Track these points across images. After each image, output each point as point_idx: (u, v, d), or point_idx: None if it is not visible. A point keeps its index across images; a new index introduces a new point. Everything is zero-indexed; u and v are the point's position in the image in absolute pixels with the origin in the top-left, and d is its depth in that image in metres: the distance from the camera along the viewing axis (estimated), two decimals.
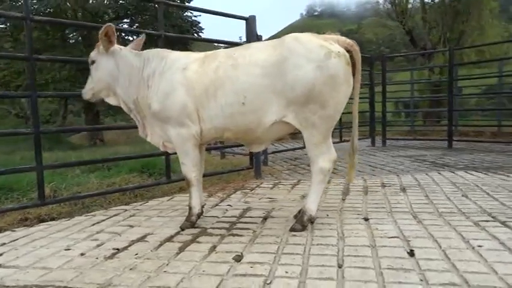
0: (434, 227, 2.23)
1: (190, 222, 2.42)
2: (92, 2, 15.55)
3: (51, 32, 14.69)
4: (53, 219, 2.81)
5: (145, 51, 2.56)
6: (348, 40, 2.27)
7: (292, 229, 2.24)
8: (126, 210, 2.97)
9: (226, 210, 2.83)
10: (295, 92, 2.15)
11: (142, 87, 2.42)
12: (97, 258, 1.95)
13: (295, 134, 8.13)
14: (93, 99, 2.66)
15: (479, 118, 11.03)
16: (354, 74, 2.25)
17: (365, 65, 7.89)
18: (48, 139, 10.20)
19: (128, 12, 15.68)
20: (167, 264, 1.82)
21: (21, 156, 6.32)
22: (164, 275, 1.71)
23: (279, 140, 7.67)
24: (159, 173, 4.18)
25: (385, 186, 3.49)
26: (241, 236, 2.20)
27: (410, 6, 14.28)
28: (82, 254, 2.01)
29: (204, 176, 4.02)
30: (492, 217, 2.40)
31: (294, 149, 6.21)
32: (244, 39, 4.43)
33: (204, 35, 17.17)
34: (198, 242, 2.12)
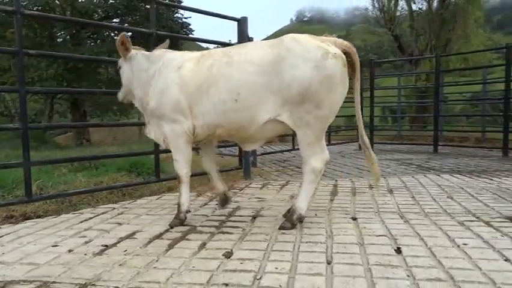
0: (420, 226, 2.27)
1: (179, 220, 2.42)
2: (81, 0, 15.41)
3: (39, 30, 14.51)
4: (39, 216, 2.77)
5: (152, 52, 2.65)
6: (346, 42, 2.30)
7: (281, 227, 2.25)
8: (114, 208, 2.95)
9: (216, 209, 2.84)
10: (292, 91, 2.16)
11: (147, 87, 2.51)
12: (85, 254, 1.93)
13: (284, 137, 8.18)
14: (125, 101, 2.82)
15: (464, 124, 11.25)
16: (354, 75, 2.31)
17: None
18: (34, 138, 10.03)
19: (118, 11, 15.57)
20: (156, 260, 1.82)
21: (5, 154, 6.22)
22: (154, 270, 1.70)
23: (268, 143, 7.69)
24: (147, 172, 4.15)
25: (373, 187, 3.53)
26: (230, 233, 2.21)
27: (398, 13, 14.53)
28: (70, 251, 1.99)
29: (193, 175, 4.02)
30: (476, 217, 2.45)
31: (282, 151, 6.25)
32: (234, 41, 4.45)
33: (195, 36, 17.13)
34: (188, 239, 2.12)
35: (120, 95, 2.78)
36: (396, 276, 1.57)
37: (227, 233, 2.22)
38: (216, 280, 1.57)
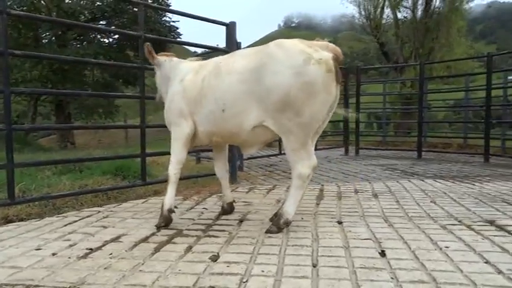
0: (404, 229, 2.31)
1: (162, 219, 2.43)
2: (68, 1, 15.24)
3: (23, 30, 14.29)
4: (22, 220, 2.72)
5: (174, 60, 2.81)
6: (337, 48, 2.23)
7: (268, 231, 2.26)
8: (99, 211, 2.92)
9: (202, 212, 2.84)
10: (272, 98, 2.15)
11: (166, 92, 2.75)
12: (69, 258, 1.91)
13: (271, 142, 8.19)
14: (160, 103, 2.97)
15: (447, 131, 11.48)
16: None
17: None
18: (16, 140, 9.85)
19: (105, 14, 15.45)
20: (142, 264, 1.81)
21: None
22: (140, 274, 1.69)
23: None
24: (133, 175, 4.12)
25: (358, 192, 3.58)
26: (217, 237, 2.21)
27: (383, 21, 14.80)
28: (54, 254, 1.96)
29: (180, 179, 4.02)
30: (458, 221, 2.51)
31: (269, 156, 6.27)
32: (222, 45, 4.46)
33: (183, 40, 17.09)
34: (174, 243, 2.12)
35: (157, 97, 2.99)
36: (380, 278, 1.59)
37: (213, 236, 2.22)
38: (202, 283, 1.57)
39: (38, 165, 3.91)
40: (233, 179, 4.22)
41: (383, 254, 1.89)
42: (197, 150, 5.50)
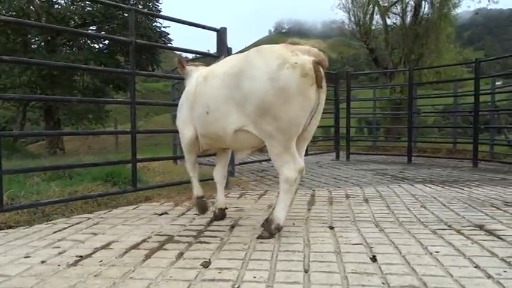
0: (394, 234, 2.33)
1: (197, 205, 2.82)
2: (57, 7, 15.14)
3: (12, 36, 14.15)
4: (10, 227, 2.68)
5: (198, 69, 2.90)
6: (321, 53, 2.21)
7: (259, 237, 2.26)
8: (89, 218, 2.89)
9: (194, 218, 2.82)
10: (250, 104, 2.17)
11: None
12: (58, 265, 1.88)
13: (262, 147, 8.20)
14: None
15: (436, 136, 11.60)
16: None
17: (330, 82, 8.14)
18: (5, 147, 9.72)
19: (96, 19, 15.38)
20: (133, 271, 1.79)
21: None
22: (131, 281, 1.68)
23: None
24: (124, 182, 4.09)
25: (349, 197, 3.60)
26: (208, 243, 2.20)
27: (373, 27, 14.93)
28: (43, 262, 1.94)
29: (171, 185, 4.01)
30: (448, 226, 2.53)
31: (260, 161, 6.26)
32: (213, 51, 4.47)
33: (173, 45, 17.06)
34: (165, 249, 2.10)
35: None
36: (371, 283, 1.60)
37: (205, 242, 2.21)
38: None
39: (27, 171, 3.85)
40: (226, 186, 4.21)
41: (374, 259, 1.90)
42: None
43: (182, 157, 6.34)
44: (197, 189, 2.86)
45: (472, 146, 6.39)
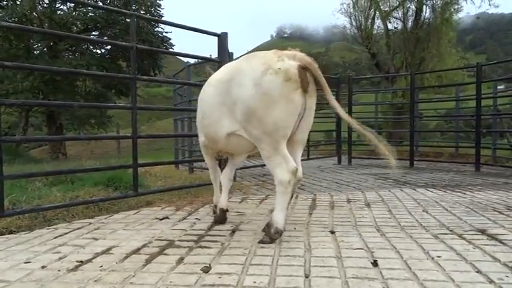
0: (396, 239, 2.32)
1: (214, 215, 2.86)
2: (60, 13, 15.24)
3: (15, 41, 14.24)
4: (11, 232, 2.68)
5: None
6: (307, 58, 2.25)
7: (261, 241, 2.25)
8: (90, 223, 2.89)
9: (194, 223, 2.82)
10: (239, 109, 2.26)
11: None
12: (59, 270, 1.88)
13: None
14: None
15: (439, 140, 11.57)
16: (322, 91, 2.30)
17: (332, 86, 8.16)
18: (7, 152, 9.75)
19: (98, 24, 15.47)
20: (133, 276, 1.79)
21: None
22: (131, 286, 1.67)
23: (248, 157, 7.71)
24: (125, 186, 4.09)
25: (350, 201, 3.58)
26: (209, 248, 2.19)
27: (374, 32, 14.96)
28: (43, 267, 1.93)
29: (172, 189, 4.01)
30: (450, 230, 2.52)
31: (262, 166, 6.25)
32: (214, 56, 4.48)
33: (175, 51, 17.13)
34: (165, 254, 2.10)
35: None
36: None
37: (206, 247, 2.21)
38: None
39: (28, 176, 3.86)
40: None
41: (375, 263, 1.88)
42: (190, 160, 5.50)
43: (183, 162, 6.36)
44: (215, 197, 2.96)
45: (474, 150, 6.37)
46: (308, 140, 8.06)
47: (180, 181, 4.81)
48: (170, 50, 16.75)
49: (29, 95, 13.20)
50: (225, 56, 4.15)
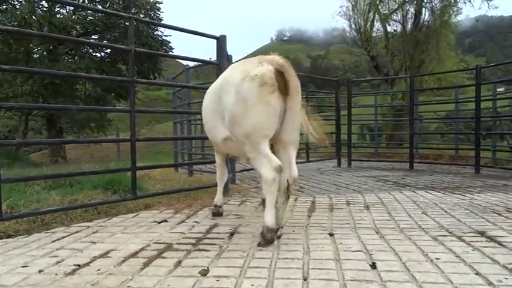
0: (395, 241, 2.31)
1: (212, 212, 3.06)
2: (59, 16, 15.27)
3: (14, 45, 14.27)
4: (9, 236, 2.67)
5: None
6: (281, 61, 2.33)
7: (259, 244, 2.25)
8: (89, 226, 2.88)
9: (193, 226, 2.81)
10: (226, 116, 2.45)
11: None
12: (56, 274, 1.87)
13: None
14: None
15: (439, 142, 11.56)
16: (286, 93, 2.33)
17: (332, 89, 8.17)
18: (6, 156, 9.74)
19: (97, 28, 15.50)
20: (131, 279, 1.78)
21: None
22: None
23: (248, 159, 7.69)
24: (124, 190, 4.08)
25: (350, 204, 3.58)
26: (207, 251, 2.18)
27: (374, 34, 14.96)
28: (40, 271, 1.92)
29: (171, 192, 4.00)
30: (449, 232, 2.51)
31: None
32: (213, 59, 4.48)
33: (175, 54, 17.14)
34: (163, 257, 2.09)
35: None
36: None
37: (204, 250, 2.20)
38: None
39: (27, 180, 3.85)
40: (225, 191, 4.19)
41: (373, 266, 1.88)
42: (189, 163, 5.49)
43: (182, 164, 6.35)
44: (218, 199, 3.19)
45: (474, 152, 6.36)
46: (307, 143, 8.07)
47: (179, 184, 4.80)
48: (170, 53, 16.78)
49: (29, 99, 13.22)
50: (223, 59, 4.15)
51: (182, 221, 2.98)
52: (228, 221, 2.87)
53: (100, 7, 15.26)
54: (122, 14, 4.46)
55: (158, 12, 17.19)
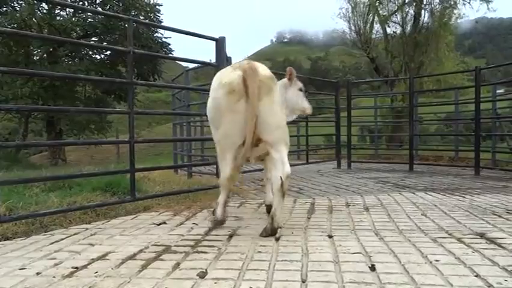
0: (394, 243, 2.30)
1: (213, 219, 2.85)
2: (59, 18, 15.29)
3: (14, 47, 14.28)
4: (7, 238, 2.66)
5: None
6: (246, 65, 2.37)
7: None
8: (87, 229, 2.87)
9: (192, 228, 2.80)
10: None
11: None
12: (54, 277, 1.86)
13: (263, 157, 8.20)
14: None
15: (438, 143, 11.56)
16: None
17: (332, 90, 8.17)
18: (6, 158, 9.73)
19: (97, 30, 15.51)
20: (128, 282, 1.77)
21: None
22: None
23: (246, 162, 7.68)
24: (123, 192, 4.07)
25: (349, 205, 3.57)
26: (206, 253, 2.17)
27: (373, 36, 15.00)
28: (38, 273, 1.91)
29: (170, 194, 4.00)
30: (448, 234, 2.50)
31: (261, 170, 6.24)
32: (213, 61, 4.48)
33: (175, 55, 17.17)
34: (162, 260, 2.08)
35: None
36: None
37: (202, 252, 2.19)
38: None
39: (25, 182, 3.84)
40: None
41: (373, 268, 1.87)
42: (188, 165, 5.48)
43: (181, 166, 6.34)
44: (219, 202, 3.18)
45: (473, 153, 6.35)
46: (307, 144, 8.06)
47: (178, 186, 4.79)
48: (170, 55, 16.79)
49: (29, 101, 13.21)
50: (222, 60, 4.15)
51: (181, 223, 2.97)
52: (227, 223, 2.86)
53: (100, 9, 15.27)
54: (120, 15, 4.46)
55: (158, 14, 17.21)
